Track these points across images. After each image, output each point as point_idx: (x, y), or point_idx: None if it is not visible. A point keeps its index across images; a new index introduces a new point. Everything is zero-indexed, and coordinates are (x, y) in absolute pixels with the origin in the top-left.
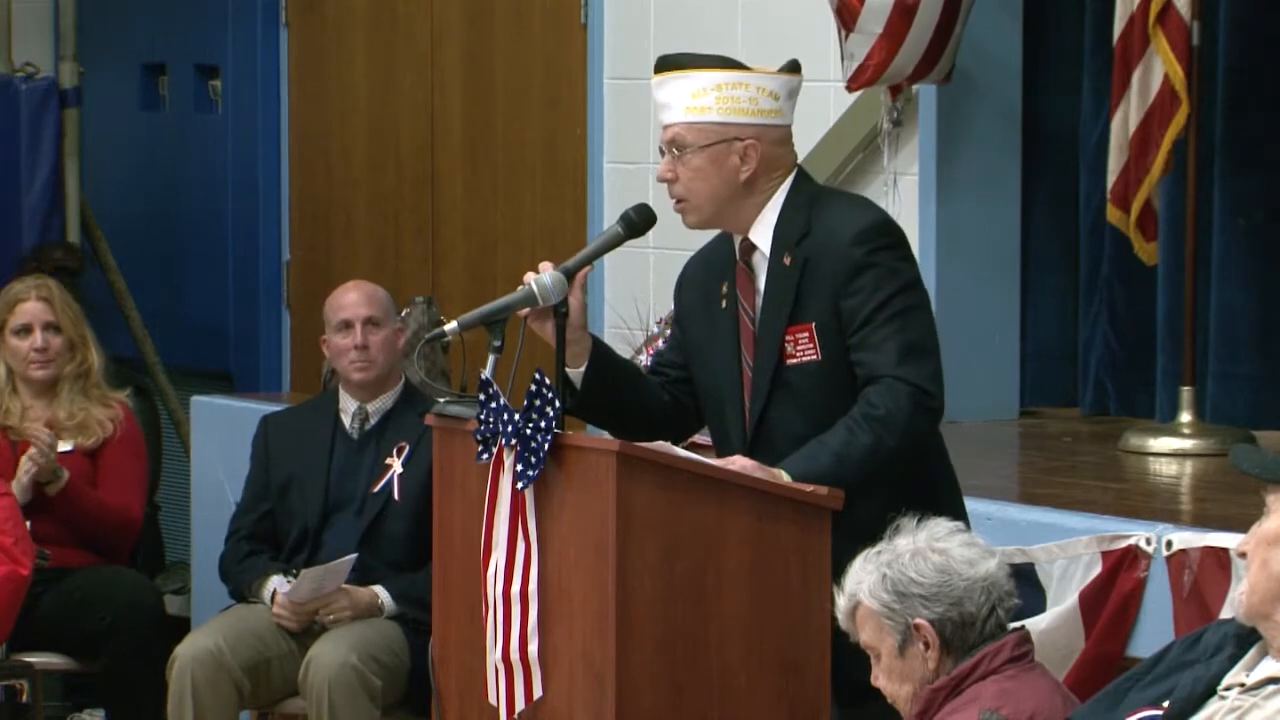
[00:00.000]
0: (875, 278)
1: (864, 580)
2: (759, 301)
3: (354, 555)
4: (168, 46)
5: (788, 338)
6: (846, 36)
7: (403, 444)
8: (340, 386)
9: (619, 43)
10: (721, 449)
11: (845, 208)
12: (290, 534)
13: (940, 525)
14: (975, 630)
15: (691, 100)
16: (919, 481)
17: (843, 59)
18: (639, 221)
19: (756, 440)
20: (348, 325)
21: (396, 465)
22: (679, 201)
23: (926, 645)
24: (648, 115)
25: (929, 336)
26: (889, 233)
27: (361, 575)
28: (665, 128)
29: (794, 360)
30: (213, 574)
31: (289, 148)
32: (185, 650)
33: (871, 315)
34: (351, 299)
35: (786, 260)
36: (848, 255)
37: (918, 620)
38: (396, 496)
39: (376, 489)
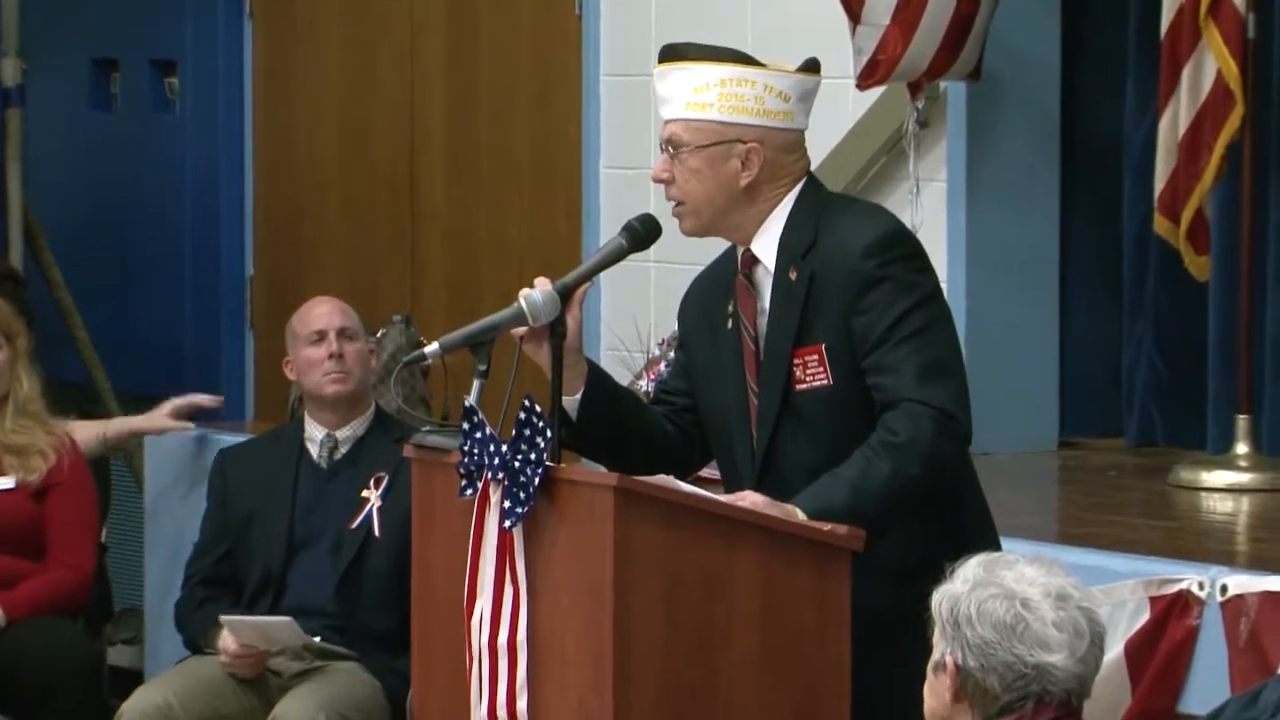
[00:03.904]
0: (889, 292)
1: (954, 584)
2: (762, 321)
3: (289, 619)
4: (120, 40)
5: (796, 361)
6: (855, 29)
7: (380, 474)
8: (306, 413)
9: (617, 35)
10: (730, 483)
11: (855, 217)
12: (251, 576)
13: (1058, 583)
14: (995, 703)
15: (693, 95)
16: (947, 516)
17: (853, 54)
18: (644, 233)
19: (765, 473)
20: (320, 336)
21: (374, 498)
22: (676, 205)
23: (949, 683)
24: (648, 115)
25: (951, 355)
26: (903, 243)
27: (342, 619)
28: (665, 123)
29: (803, 385)
30: (168, 622)
31: (253, 151)
32: (133, 706)
33: (886, 334)
34: (322, 310)
35: (792, 275)
36: (858, 269)
37: (949, 657)
38: (377, 533)
39: (354, 524)
